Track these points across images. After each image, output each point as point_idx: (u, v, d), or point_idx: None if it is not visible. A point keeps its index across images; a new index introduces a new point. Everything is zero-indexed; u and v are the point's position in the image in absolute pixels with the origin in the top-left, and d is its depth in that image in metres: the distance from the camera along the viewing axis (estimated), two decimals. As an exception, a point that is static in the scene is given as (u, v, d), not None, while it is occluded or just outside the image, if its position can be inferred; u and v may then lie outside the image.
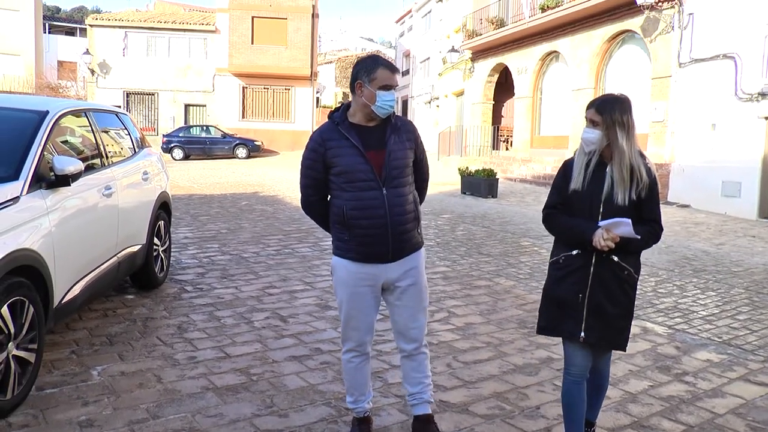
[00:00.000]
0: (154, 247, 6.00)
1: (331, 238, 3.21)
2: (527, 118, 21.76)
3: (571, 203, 3.07)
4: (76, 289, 4.25)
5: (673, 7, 14.40)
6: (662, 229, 3.08)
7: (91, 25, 33.01)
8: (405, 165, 3.11)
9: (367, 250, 3.06)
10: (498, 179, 16.12)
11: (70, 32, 45.47)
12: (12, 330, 3.42)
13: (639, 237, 2.90)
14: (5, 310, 3.35)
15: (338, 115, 3.11)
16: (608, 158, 3.01)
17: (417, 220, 3.21)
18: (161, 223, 6.24)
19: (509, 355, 4.79)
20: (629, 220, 2.84)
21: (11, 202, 3.60)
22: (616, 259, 2.99)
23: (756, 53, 12.90)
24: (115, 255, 4.98)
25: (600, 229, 2.90)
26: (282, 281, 6.73)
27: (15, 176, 3.78)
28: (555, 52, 19.86)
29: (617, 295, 3.03)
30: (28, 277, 3.61)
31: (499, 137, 25.11)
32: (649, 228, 3.01)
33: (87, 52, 31.87)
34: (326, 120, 3.18)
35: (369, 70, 3.01)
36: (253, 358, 4.47)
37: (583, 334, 3.04)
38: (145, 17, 34.50)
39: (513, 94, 22.95)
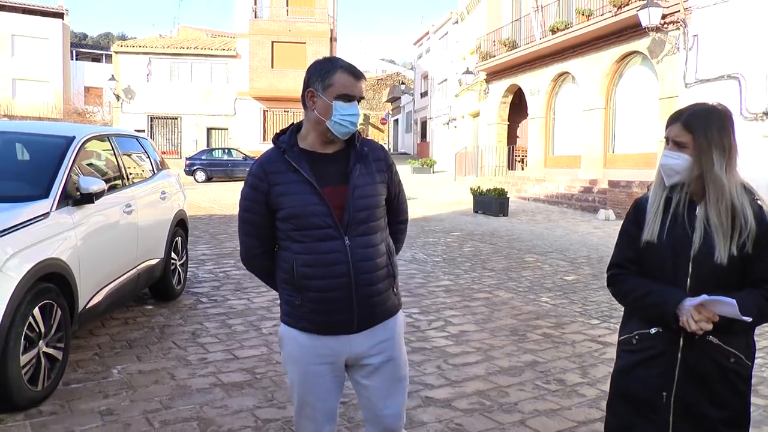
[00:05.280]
0: (172, 261, 6.46)
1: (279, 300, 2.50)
2: (541, 138, 22.12)
3: (645, 260, 2.23)
4: (99, 297, 4.73)
5: (678, 28, 14.75)
6: None
7: (116, 52, 34.16)
8: (375, 205, 2.38)
9: (324, 319, 2.34)
10: (508, 198, 16.46)
11: (97, 59, 46.88)
12: (42, 329, 3.90)
13: (750, 319, 2.01)
14: (36, 311, 3.82)
15: (285, 139, 2.37)
16: (698, 195, 2.15)
17: (392, 276, 2.45)
18: (178, 239, 6.71)
19: (496, 359, 5.13)
20: (734, 301, 1.96)
21: (42, 218, 4.09)
22: (715, 340, 2.10)
23: (759, 73, 13.19)
24: (134, 267, 5.45)
25: (689, 305, 2.06)
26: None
27: (45, 195, 4.28)
28: (566, 72, 20.26)
29: (722, 392, 2.13)
30: (57, 284, 4.08)
31: (514, 157, 25.46)
32: (764, 294, 2.10)
33: (112, 78, 32.93)
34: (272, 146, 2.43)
35: (323, 75, 2.31)
36: (258, 360, 4.88)
37: None
38: (169, 43, 35.58)
39: (527, 115, 23.34)
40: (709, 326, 2.03)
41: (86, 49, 50.61)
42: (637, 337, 2.26)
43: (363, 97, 2.38)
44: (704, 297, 2.03)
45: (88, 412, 3.81)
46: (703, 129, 2.10)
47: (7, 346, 3.54)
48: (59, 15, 41.13)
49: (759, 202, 2.14)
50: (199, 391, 4.22)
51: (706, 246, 2.10)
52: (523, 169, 24.79)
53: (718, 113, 2.14)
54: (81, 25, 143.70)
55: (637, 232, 2.25)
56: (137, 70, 33.48)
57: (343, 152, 2.39)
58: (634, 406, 2.26)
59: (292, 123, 2.46)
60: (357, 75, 2.34)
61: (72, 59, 42.53)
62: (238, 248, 2.56)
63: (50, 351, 3.99)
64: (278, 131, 2.43)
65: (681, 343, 2.15)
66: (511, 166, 25.18)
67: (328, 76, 2.30)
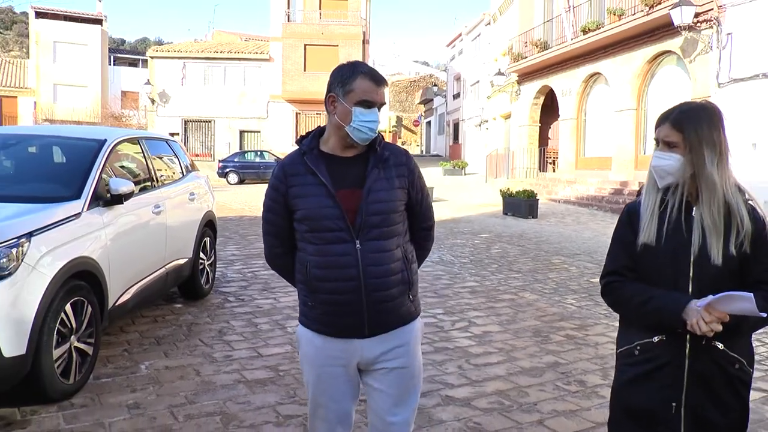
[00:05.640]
0: (200, 261, 6.62)
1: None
2: (572, 140, 21.95)
3: (643, 265, 2.15)
4: (128, 294, 4.89)
5: (711, 27, 14.52)
6: None
7: (151, 57, 34.85)
8: (390, 210, 2.36)
9: (335, 321, 2.37)
10: (538, 200, 16.39)
11: (133, 63, 47.78)
12: (74, 325, 4.07)
13: (766, 315, 1.94)
14: (68, 307, 3.99)
15: (307, 143, 2.41)
16: (694, 197, 2.09)
17: (408, 283, 2.42)
18: (207, 239, 6.87)
19: (518, 360, 5.16)
20: (751, 295, 1.90)
21: (74, 218, 4.26)
22: (721, 346, 2.05)
23: (796, 72, 12.93)
24: (163, 266, 5.61)
25: (695, 307, 1.98)
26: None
27: (77, 195, 4.44)
28: (597, 73, 20.08)
29: (728, 399, 2.09)
30: (87, 282, 4.24)
31: (546, 159, 25.29)
32: (765, 296, 2.02)
33: (148, 83, 33.61)
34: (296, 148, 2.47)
35: (344, 80, 2.32)
36: (282, 358, 4.98)
37: None
38: (203, 48, 36.16)
39: (558, 116, 23.18)
40: (720, 327, 1.95)
41: (123, 54, 51.63)
42: (639, 347, 2.15)
43: (384, 103, 2.38)
44: (721, 294, 1.94)
45: (116, 406, 3.96)
46: (693, 126, 2.05)
47: (40, 341, 3.70)
48: (98, 21, 42.07)
49: (750, 202, 2.10)
50: (223, 387, 4.33)
51: (706, 248, 2.05)
52: (554, 170, 24.60)
53: (708, 110, 2.09)
54: (119, 30, 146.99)
55: (632, 238, 2.17)
56: (172, 74, 34.07)
57: (362, 156, 2.39)
58: (641, 422, 2.16)
59: (318, 126, 2.48)
60: (378, 81, 2.33)
61: (110, 64, 43.44)
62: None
63: (81, 346, 4.15)
64: (302, 135, 2.46)
65: (687, 350, 2.07)
66: (542, 167, 25.01)
67: (349, 82, 2.31)
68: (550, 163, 25.41)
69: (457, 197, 21.33)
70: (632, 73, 17.83)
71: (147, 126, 33.60)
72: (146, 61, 38.54)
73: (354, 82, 2.30)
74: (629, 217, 2.21)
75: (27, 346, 3.61)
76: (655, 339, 2.11)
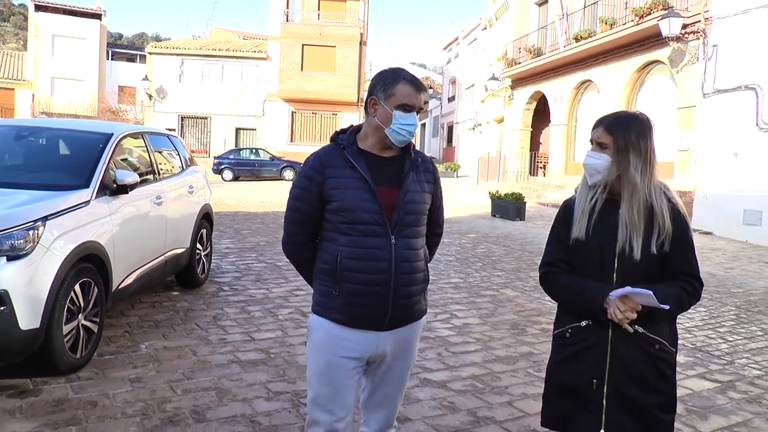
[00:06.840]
0: (197, 251, 6.95)
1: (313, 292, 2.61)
2: (562, 145, 22.34)
3: (574, 257, 2.40)
4: (130, 279, 5.23)
5: (698, 38, 14.93)
6: (702, 285, 2.37)
7: (150, 53, 35.16)
8: (421, 212, 2.54)
9: (358, 312, 2.45)
10: (525, 203, 16.79)
11: (131, 59, 47.98)
12: (82, 304, 4.41)
13: (668, 307, 2.21)
14: (77, 287, 4.33)
15: (345, 138, 2.51)
16: (620, 196, 2.34)
17: (426, 282, 2.60)
18: (203, 231, 7.20)
19: (494, 349, 5.51)
20: (650, 292, 2.17)
21: (83, 205, 4.59)
22: (640, 329, 2.30)
23: (777, 85, 13.32)
24: (162, 254, 5.94)
25: (614, 297, 2.25)
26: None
27: (86, 185, 4.78)
28: (588, 80, 20.48)
29: (650, 378, 2.31)
30: (94, 264, 4.58)
31: (537, 163, 25.68)
32: (682, 285, 2.31)
33: (146, 78, 33.91)
34: (329, 143, 2.56)
35: (386, 84, 2.45)
36: (273, 342, 5.32)
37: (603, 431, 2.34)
38: (201, 45, 36.48)
39: (550, 122, 23.58)
40: (634, 315, 2.22)
41: (121, 49, 51.80)
42: (570, 330, 2.39)
43: (422, 108, 2.51)
44: (627, 289, 2.22)
45: (119, 379, 4.29)
46: (622, 132, 2.31)
47: (52, 316, 4.04)
48: (97, 16, 42.30)
49: (675, 203, 2.34)
50: (218, 366, 4.67)
51: (629, 243, 2.28)
52: (544, 175, 24.99)
53: (639, 120, 2.35)
54: (117, 25, 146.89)
55: (566, 233, 2.40)
56: (170, 70, 34.39)
57: (398, 158, 2.53)
58: (572, 397, 2.38)
59: (352, 125, 2.62)
60: (418, 87, 2.46)
61: (108, 59, 43.67)
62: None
63: (88, 324, 4.49)
64: (338, 130, 2.57)
65: (610, 333, 2.31)
66: (533, 171, 25.39)
67: (391, 86, 2.44)
68: (541, 168, 25.79)
69: (449, 199, 21.64)
70: (622, 81, 18.23)
71: (144, 121, 33.88)
72: (144, 56, 38.84)
73: (396, 86, 2.44)
74: (564, 214, 2.47)
75: (41, 320, 3.94)
76: (583, 323, 2.36)
